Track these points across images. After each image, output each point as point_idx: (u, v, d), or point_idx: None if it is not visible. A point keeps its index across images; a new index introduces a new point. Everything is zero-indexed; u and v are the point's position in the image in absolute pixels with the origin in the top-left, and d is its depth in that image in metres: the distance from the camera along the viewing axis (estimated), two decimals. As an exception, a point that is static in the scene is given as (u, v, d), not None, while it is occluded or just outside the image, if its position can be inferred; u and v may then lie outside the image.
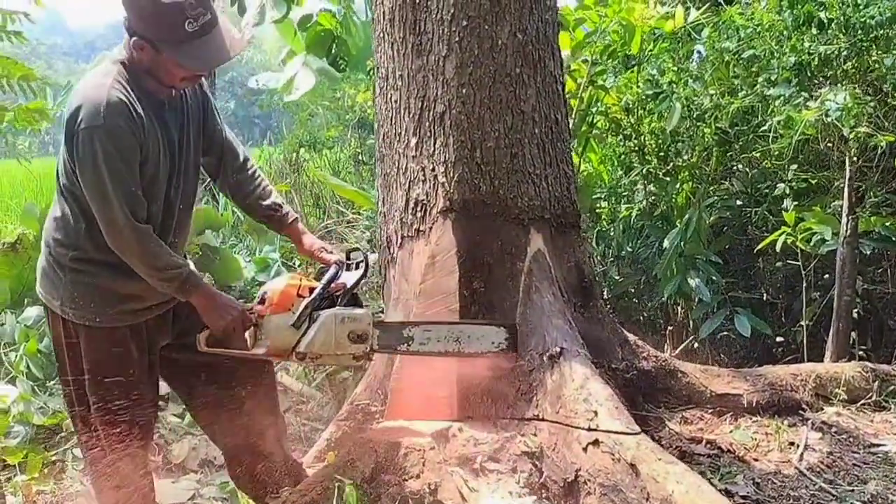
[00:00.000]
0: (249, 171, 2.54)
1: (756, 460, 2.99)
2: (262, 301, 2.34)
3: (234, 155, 2.51)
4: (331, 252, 2.53)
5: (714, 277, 4.78)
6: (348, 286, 2.39)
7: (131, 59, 2.16)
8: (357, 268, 2.43)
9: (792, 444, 3.08)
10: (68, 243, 2.25)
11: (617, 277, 5.51)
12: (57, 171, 2.25)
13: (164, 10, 2.06)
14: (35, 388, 3.81)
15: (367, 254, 2.45)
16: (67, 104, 2.15)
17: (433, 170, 2.94)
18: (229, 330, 2.28)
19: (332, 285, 2.36)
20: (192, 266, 2.32)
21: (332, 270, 2.40)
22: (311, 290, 2.33)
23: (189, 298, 2.24)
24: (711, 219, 5.03)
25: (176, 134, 2.27)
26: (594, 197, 5.47)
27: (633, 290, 5.55)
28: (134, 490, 2.35)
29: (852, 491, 2.75)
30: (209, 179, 2.65)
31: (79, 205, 2.20)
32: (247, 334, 2.33)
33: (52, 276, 2.29)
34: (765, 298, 5.28)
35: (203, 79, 2.41)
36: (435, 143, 2.93)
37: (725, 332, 5.09)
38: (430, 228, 2.94)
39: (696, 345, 4.94)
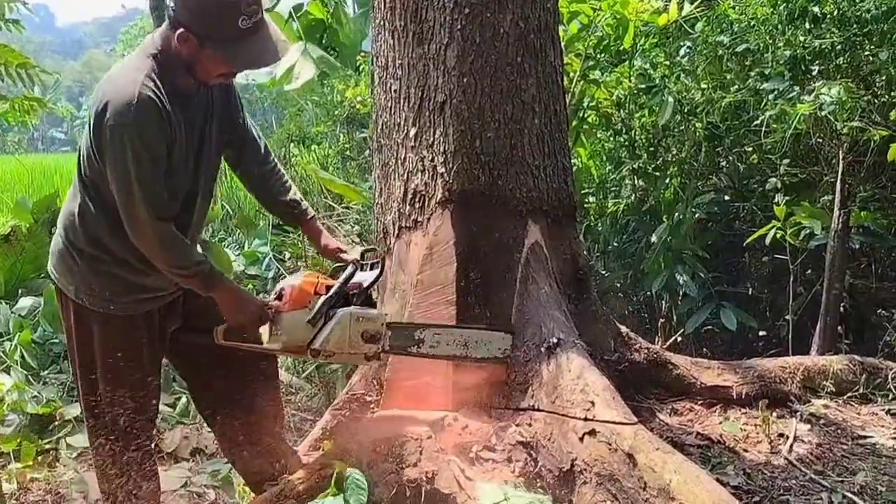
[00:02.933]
0: (270, 165, 2.54)
1: (746, 451, 3.01)
2: (279, 297, 2.36)
3: (255, 147, 2.50)
4: (346, 252, 2.56)
5: (701, 272, 4.83)
6: (364, 286, 2.42)
7: (166, 52, 2.12)
8: (372, 268, 2.47)
9: (781, 435, 3.11)
10: (86, 232, 2.24)
11: (603, 272, 5.55)
12: (79, 160, 2.23)
13: (220, 4, 2.02)
14: (29, 377, 3.83)
15: (383, 255, 2.49)
16: (95, 96, 2.12)
17: (432, 160, 2.93)
18: (247, 324, 2.31)
19: (349, 284, 2.38)
20: (211, 261, 2.32)
21: (348, 270, 2.41)
22: (328, 288, 2.35)
23: (210, 293, 2.25)
24: (698, 214, 5.08)
25: (200, 127, 2.26)
26: (583, 192, 5.50)
27: (619, 285, 5.59)
28: (139, 476, 2.37)
29: (842, 482, 2.78)
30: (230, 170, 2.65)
31: (100, 195, 2.19)
32: (262, 329, 2.35)
33: (69, 261, 2.28)
34: (750, 293, 5.35)
35: None
36: (434, 133, 2.92)
37: (709, 327, 5.16)
38: (429, 219, 2.94)
39: (679, 339, 5.00)
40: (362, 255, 2.53)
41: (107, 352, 2.27)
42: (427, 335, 2.59)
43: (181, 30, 2.05)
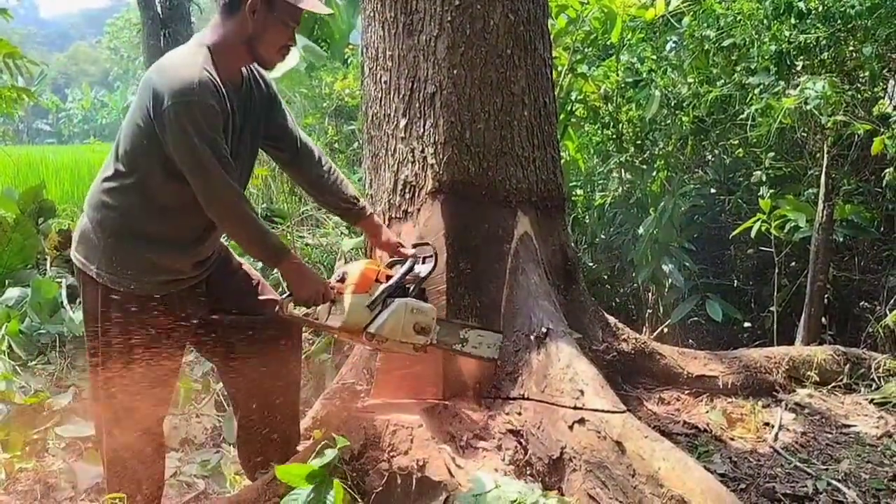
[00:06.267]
0: (325, 167, 2.62)
1: (732, 439, 3.06)
2: (341, 280, 2.45)
3: (309, 152, 2.59)
4: (405, 247, 2.71)
5: (687, 264, 4.87)
6: (420, 278, 2.54)
7: (220, 43, 2.23)
8: (425, 262, 2.60)
9: (767, 424, 3.16)
10: (117, 208, 2.27)
11: (591, 264, 5.58)
12: (118, 139, 2.28)
13: None
14: (17, 367, 3.79)
15: (436, 250, 2.63)
16: (150, 78, 2.18)
17: (422, 151, 2.95)
18: (312, 300, 2.40)
19: (406, 277, 2.50)
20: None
21: (408, 263, 2.56)
22: (388, 277, 2.47)
23: (279, 266, 2.37)
24: (684, 207, 5.12)
25: (240, 125, 2.32)
26: (570, 184, 5.53)
27: (606, 277, 5.63)
28: (148, 460, 2.41)
29: (826, 469, 2.82)
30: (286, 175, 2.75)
31: (139, 174, 2.24)
32: (322, 307, 2.45)
33: (93, 239, 2.30)
34: (735, 285, 5.40)
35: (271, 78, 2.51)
36: (425, 125, 2.94)
37: (695, 318, 5.21)
38: (419, 210, 2.96)
39: (666, 330, 5.05)
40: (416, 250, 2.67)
41: (125, 332, 2.29)
42: (471, 335, 2.70)
43: (249, 2, 2.18)
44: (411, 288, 2.52)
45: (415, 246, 2.70)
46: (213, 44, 2.24)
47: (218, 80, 2.17)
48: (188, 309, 2.41)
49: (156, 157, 2.19)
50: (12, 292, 4.40)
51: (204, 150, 2.12)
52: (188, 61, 2.17)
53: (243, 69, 2.35)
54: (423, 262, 2.60)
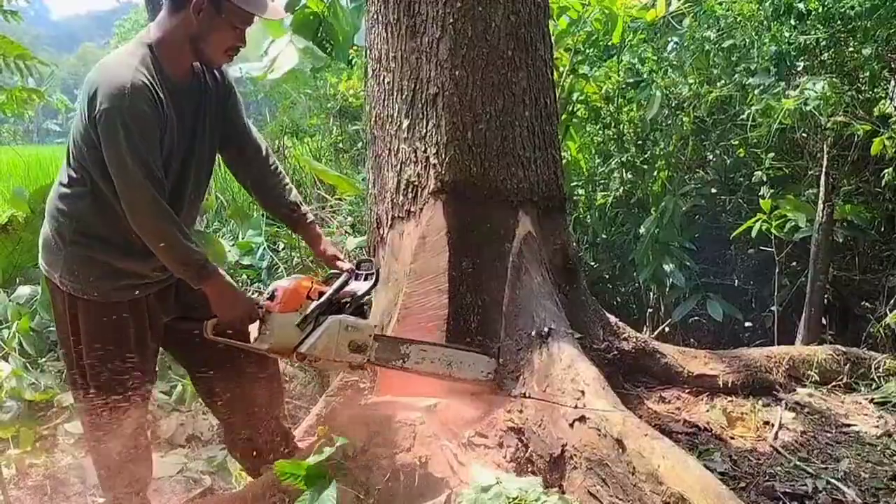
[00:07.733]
0: (271, 167, 2.55)
1: (732, 438, 3.07)
2: (271, 297, 2.36)
3: (256, 149, 2.52)
4: (343, 260, 2.58)
5: (688, 263, 4.89)
6: (357, 295, 2.43)
7: (163, 41, 2.18)
8: (366, 279, 2.48)
9: (767, 423, 3.17)
10: (72, 215, 2.25)
11: (592, 263, 5.60)
12: (68, 143, 2.25)
13: None
14: (27, 364, 3.83)
15: (378, 266, 2.52)
16: (87, 82, 2.15)
17: (425, 151, 2.97)
18: (237, 321, 2.31)
19: (342, 292, 2.41)
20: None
21: (342, 278, 2.43)
22: (321, 293, 2.36)
23: (202, 286, 2.24)
24: (685, 207, 5.13)
25: (191, 122, 2.28)
26: (572, 184, 5.55)
27: (607, 276, 5.64)
28: (132, 461, 2.39)
29: (826, 468, 2.84)
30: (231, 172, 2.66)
31: (89, 178, 2.20)
32: (252, 327, 2.35)
33: (53, 247, 2.29)
34: (735, 284, 5.41)
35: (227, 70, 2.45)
36: (427, 125, 2.96)
37: (696, 318, 5.23)
38: (421, 209, 2.98)
39: (667, 329, 5.07)
40: (358, 264, 2.56)
41: (92, 339, 2.27)
42: (413, 350, 2.60)
43: (194, 1, 2.12)
44: (348, 304, 2.41)
45: (359, 262, 2.57)
46: (156, 41, 2.19)
47: (155, 81, 2.12)
48: (157, 314, 2.38)
49: (98, 161, 2.14)
50: (23, 290, 4.44)
51: (129, 156, 2.06)
52: (124, 62, 2.12)
53: (195, 64, 2.30)
54: (365, 279, 2.48)
